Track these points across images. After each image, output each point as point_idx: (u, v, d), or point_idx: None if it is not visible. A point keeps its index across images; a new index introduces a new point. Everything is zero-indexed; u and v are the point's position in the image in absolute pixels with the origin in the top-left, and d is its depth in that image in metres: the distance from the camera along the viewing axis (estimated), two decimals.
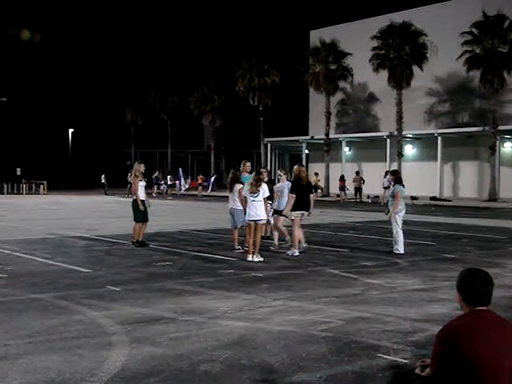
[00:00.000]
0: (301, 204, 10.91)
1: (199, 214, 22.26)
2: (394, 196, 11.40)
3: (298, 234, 10.95)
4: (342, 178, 33.10)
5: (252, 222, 10.45)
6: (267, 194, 10.61)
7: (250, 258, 10.22)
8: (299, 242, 11.18)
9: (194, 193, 40.34)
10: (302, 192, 10.92)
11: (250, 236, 10.38)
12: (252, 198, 10.51)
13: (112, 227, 16.28)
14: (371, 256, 10.98)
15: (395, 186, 11.46)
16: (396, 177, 11.63)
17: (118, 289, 7.66)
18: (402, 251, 11.28)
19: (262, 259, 10.24)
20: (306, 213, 11.02)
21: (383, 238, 14.21)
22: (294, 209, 10.90)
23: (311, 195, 11.09)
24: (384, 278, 8.75)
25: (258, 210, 10.42)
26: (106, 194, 39.42)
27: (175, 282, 8.23)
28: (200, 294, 7.42)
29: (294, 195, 10.89)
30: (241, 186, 10.74)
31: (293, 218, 10.93)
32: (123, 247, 12.03)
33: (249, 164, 12.45)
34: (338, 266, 9.84)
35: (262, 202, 10.48)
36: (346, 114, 44.99)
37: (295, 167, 11.28)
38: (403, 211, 11.56)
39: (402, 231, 11.41)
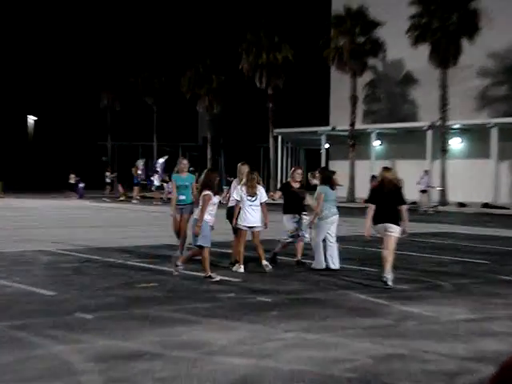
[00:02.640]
0: (382, 216, 10.42)
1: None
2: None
3: (387, 255, 10.31)
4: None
5: (247, 229, 11.34)
6: (265, 197, 11.49)
7: (241, 268, 11.19)
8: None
9: None
10: (383, 201, 10.43)
11: (241, 244, 11.30)
12: (249, 203, 11.32)
13: (84, 239, 16.30)
14: (408, 277, 10.97)
15: (320, 186, 11.82)
16: (323, 176, 11.98)
17: (89, 316, 7.68)
18: (320, 266, 11.54)
19: (242, 270, 11.08)
20: (393, 227, 10.30)
21: (423, 255, 14.17)
22: (376, 222, 10.51)
23: (403, 206, 10.39)
24: (424, 304, 8.75)
25: (255, 216, 11.37)
26: (81, 198, 39.54)
27: (162, 308, 8.25)
28: (193, 323, 7.44)
29: (373, 206, 10.55)
30: (207, 192, 10.64)
31: (378, 234, 10.55)
32: (97, 264, 12.06)
33: (186, 162, 12.96)
34: (365, 289, 9.87)
35: (259, 208, 11.40)
36: (376, 100, 45.01)
37: (381, 170, 11.10)
38: (332, 217, 11.72)
39: (321, 243, 11.58)
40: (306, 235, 12.29)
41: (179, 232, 12.70)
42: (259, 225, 11.45)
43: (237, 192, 11.62)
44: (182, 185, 12.79)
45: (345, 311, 8.25)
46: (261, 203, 11.49)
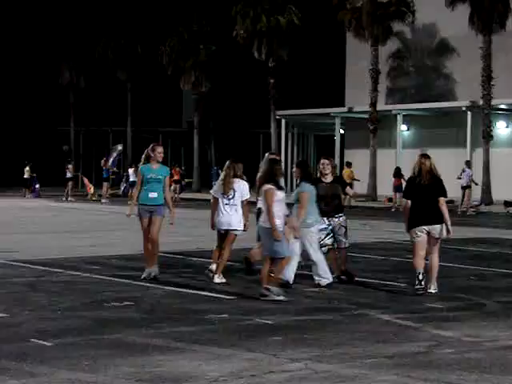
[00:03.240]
0: (419, 215, 10.77)
1: (177, 228, 22.18)
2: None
3: (418, 261, 10.83)
4: (398, 174, 32.94)
5: (222, 232, 11.80)
6: (247, 195, 11.81)
7: (216, 279, 11.58)
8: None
9: None
10: (421, 196, 10.80)
11: (218, 250, 11.99)
12: (225, 201, 11.69)
13: (41, 248, 16.28)
14: (443, 293, 10.97)
15: (300, 183, 11.80)
16: (303, 171, 11.85)
17: (48, 343, 7.66)
18: (330, 280, 11.43)
19: (224, 280, 11.55)
20: (437, 228, 10.82)
21: (462, 267, 14.16)
22: (412, 224, 10.82)
23: (441, 199, 10.87)
24: (462, 327, 8.75)
25: (232, 217, 11.68)
26: (37, 197, 39.59)
27: (138, 332, 8.24)
28: (176, 351, 7.44)
29: (409, 201, 10.88)
30: (269, 186, 10.67)
31: (413, 238, 10.86)
32: (58, 279, 12.03)
33: (161, 150, 12.48)
34: (389, 308, 9.86)
35: (238, 207, 11.69)
36: (403, 74, 44.93)
37: (418, 158, 11.29)
38: (317, 225, 11.60)
39: (322, 254, 11.55)
40: (344, 239, 12.14)
41: (149, 240, 12.16)
42: (236, 228, 11.76)
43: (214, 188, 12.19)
44: (153, 178, 12.03)
45: (364, 336, 8.22)
46: (242, 201, 11.80)
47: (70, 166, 40.79)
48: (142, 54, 54.06)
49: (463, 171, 31.36)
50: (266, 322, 8.88)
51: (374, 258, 15.23)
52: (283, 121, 46.30)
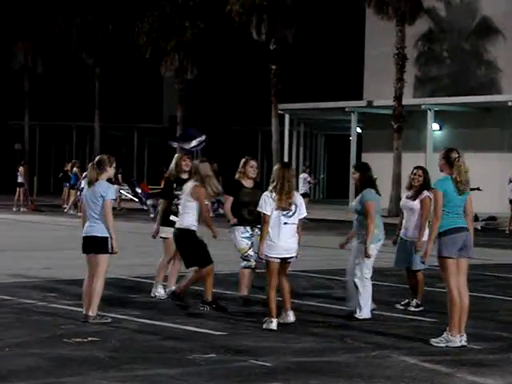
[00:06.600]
0: None
1: (156, 248, 22.11)
2: (361, 210, 11.84)
3: None
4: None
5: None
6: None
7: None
8: None
9: (140, 206, 40.29)
10: None
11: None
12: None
13: None
14: (482, 331, 10.97)
15: (363, 192, 12.00)
16: (364, 176, 12.10)
17: None
18: (367, 315, 11.64)
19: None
20: None
21: (507, 299, 14.15)
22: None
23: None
24: (504, 374, 8.71)
25: None
26: None
27: (105, 375, 8.20)
28: None
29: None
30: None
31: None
32: (7, 308, 12.00)
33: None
34: (415, 349, 9.84)
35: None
36: (435, 61, 44.95)
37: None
38: (380, 241, 12.14)
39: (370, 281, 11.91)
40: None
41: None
42: None
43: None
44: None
45: (384, 383, 8.21)
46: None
47: (21, 170, 40.60)
48: (113, 32, 53.93)
49: (510, 181, 31.02)
50: (264, 364, 8.84)
51: (397, 287, 15.20)
52: (287, 116, 46.22)
